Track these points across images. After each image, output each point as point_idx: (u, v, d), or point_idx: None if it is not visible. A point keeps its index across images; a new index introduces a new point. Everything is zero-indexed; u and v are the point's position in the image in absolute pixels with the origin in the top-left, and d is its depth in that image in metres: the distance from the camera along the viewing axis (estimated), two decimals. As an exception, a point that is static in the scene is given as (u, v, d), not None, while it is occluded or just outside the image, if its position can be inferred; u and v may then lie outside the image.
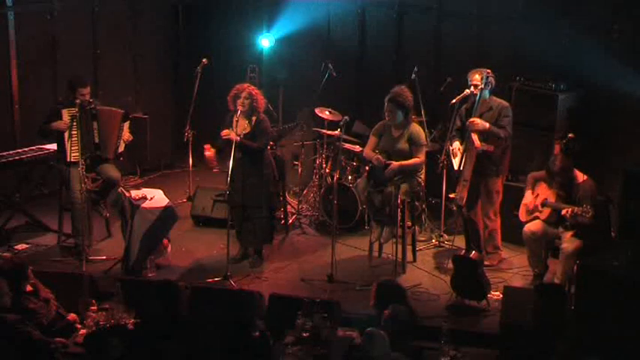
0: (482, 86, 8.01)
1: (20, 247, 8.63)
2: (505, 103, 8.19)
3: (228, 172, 7.92)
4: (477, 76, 8.06)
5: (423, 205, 9.15)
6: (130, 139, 8.76)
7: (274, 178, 8.45)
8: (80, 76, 8.64)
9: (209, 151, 8.33)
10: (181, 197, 9.89)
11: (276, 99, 10.27)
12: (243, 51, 11.16)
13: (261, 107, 8.23)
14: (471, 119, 8.02)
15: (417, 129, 8.26)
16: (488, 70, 8.08)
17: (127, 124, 8.70)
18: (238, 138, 7.94)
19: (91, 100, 8.53)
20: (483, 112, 8.10)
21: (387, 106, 8.18)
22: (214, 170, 8.33)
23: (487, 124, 8.01)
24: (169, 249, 8.46)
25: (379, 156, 8.15)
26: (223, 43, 11.25)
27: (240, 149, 7.93)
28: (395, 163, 8.10)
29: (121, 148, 8.70)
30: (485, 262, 8.06)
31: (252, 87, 8.26)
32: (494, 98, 8.18)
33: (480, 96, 8.03)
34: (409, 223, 8.39)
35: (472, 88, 8.05)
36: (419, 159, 8.19)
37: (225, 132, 8.06)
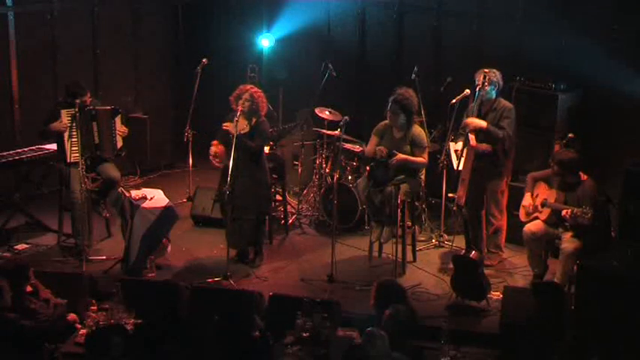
0: (485, 86, 8.00)
1: (20, 247, 8.62)
2: (509, 105, 8.19)
3: (227, 171, 7.91)
4: (483, 77, 8.06)
5: (423, 205, 9.16)
6: (126, 132, 8.72)
7: (268, 183, 8.40)
8: (79, 83, 8.52)
9: (217, 147, 8.23)
10: (181, 197, 9.89)
11: (276, 99, 10.27)
12: (243, 51, 11.16)
13: (263, 110, 8.20)
14: (467, 120, 8.03)
15: (418, 130, 8.25)
16: (494, 71, 8.08)
17: (118, 119, 8.65)
18: (235, 132, 7.91)
19: (90, 101, 8.53)
20: (487, 112, 8.11)
21: (390, 107, 8.16)
22: (217, 165, 8.27)
23: (484, 124, 7.99)
24: (169, 249, 8.47)
25: (381, 147, 8.14)
26: (223, 43, 11.26)
27: (237, 147, 7.89)
28: (400, 155, 8.08)
29: (120, 144, 8.67)
30: (486, 262, 8.06)
31: (256, 89, 8.22)
32: (501, 100, 8.18)
33: (477, 95, 8.04)
34: (409, 223, 8.39)
35: (477, 88, 8.04)
36: (423, 159, 8.19)
37: (226, 124, 8.05)
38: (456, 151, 8.28)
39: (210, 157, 8.25)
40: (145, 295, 7.01)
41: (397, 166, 8.10)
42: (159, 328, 6.30)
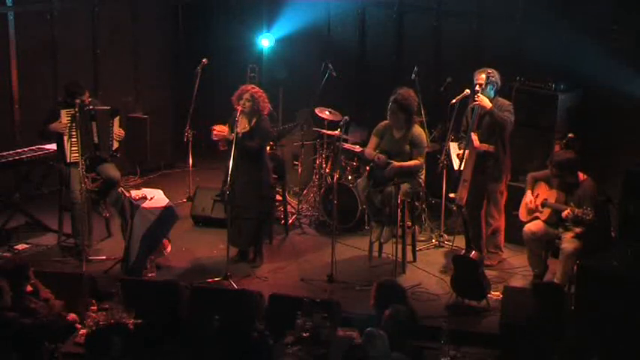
0: (484, 86, 8.02)
1: (20, 247, 8.62)
2: (507, 101, 8.23)
3: (227, 171, 7.91)
4: (483, 76, 8.07)
5: (423, 205, 9.16)
6: (122, 135, 8.73)
7: (270, 183, 8.40)
8: (78, 83, 8.51)
9: (219, 126, 8.17)
10: (181, 197, 9.89)
11: (276, 99, 10.27)
12: (243, 51, 11.17)
13: (264, 110, 8.19)
14: (477, 96, 8.01)
15: (418, 131, 8.26)
16: (492, 70, 8.09)
17: (116, 120, 8.66)
18: (233, 136, 7.90)
19: (89, 101, 8.53)
20: (487, 112, 8.09)
21: (391, 107, 8.17)
22: (223, 148, 8.23)
23: (490, 105, 7.98)
24: (169, 249, 8.46)
25: (380, 154, 8.16)
26: (223, 43, 11.26)
27: (236, 148, 7.89)
28: (395, 164, 8.12)
29: (115, 145, 8.68)
30: (486, 262, 8.06)
31: (257, 89, 8.21)
32: (499, 98, 8.19)
33: (477, 94, 8.04)
34: (409, 223, 8.39)
35: (477, 87, 8.05)
36: (418, 161, 8.19)
37: (217, 129, 8.03)
38: (457, 154, 8.28)
39: (215, 140, 8.19)
40: (145, 295, 7.00)
41: (394, 173, 8.11)
42: (159, 328, 6.30)
